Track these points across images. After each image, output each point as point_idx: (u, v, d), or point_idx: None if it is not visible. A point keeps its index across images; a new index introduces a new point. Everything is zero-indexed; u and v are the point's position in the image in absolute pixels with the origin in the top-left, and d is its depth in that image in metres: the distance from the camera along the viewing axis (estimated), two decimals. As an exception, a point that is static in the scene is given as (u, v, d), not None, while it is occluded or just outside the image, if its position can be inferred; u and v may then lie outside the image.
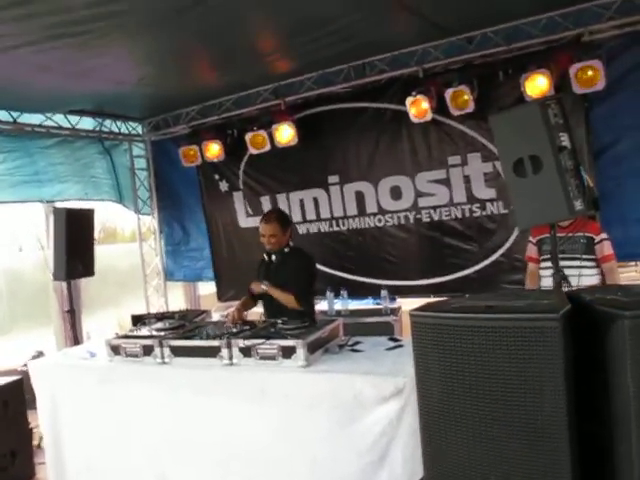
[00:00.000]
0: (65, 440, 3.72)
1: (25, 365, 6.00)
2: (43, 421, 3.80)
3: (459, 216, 5.23)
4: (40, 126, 6.20)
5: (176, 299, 8.16)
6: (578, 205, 2.93)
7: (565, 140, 2.98)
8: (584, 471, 1.48)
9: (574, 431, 1.42)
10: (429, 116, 4.94)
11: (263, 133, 5.73)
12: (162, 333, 3.41)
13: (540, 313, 1.45)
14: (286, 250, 4.07)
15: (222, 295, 6.75)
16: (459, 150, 5.14)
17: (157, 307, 7.08)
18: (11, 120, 5.90)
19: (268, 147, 5.73)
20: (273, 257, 4.06)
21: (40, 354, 6.24)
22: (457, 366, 1.59)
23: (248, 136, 5.82)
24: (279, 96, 5.85)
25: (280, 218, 4.14)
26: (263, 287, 3.90)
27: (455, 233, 5.27)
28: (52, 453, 3.78)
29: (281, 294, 3.86)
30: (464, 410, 1.56)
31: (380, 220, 5.62)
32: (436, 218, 5.33)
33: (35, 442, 4.87)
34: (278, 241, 4.03)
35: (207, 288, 8.19)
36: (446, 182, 5.24)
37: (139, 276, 7.40)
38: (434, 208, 5.33)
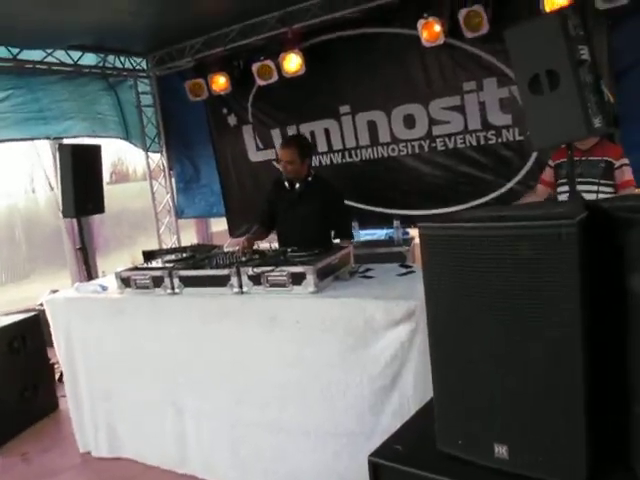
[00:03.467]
0: (81, 372, 3.77)
1: (41, 304, 6.09)
2: (60, 354, 3.85)
3: (474, 144, 5.08)
4: (41, 62, 6.07)
5: (189, 237, 8.17)
6: (597, 122, 2.80)
7: (585, 53, 2.83)
8: (598, 384, 1.42)
9: (589, 343, 1.35)
10: (441, 40, 4.73)
11: (270, 63, 5.55)
12: (172, 265, 3.38)
13: (555, 219, 1.35)
14: (309, 179, 3.98)
15: (234, 230, 6.72)
16: (474, 75, 4.94)
17: (169, 245, 7.10)
18: (10, 57, 5.76)
19: (276, 77, 5.56)
20: (296, 185, 3.97)
21: (56, 292, 6.31)
22: (468, 279, 1.51)
23: (255, 67, 5.65)
24: (286, 24, 5.63)
25: (300, 145, 4.04)
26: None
27: (470, 161, 5.14)
28: (70, 385, 3.85)
29: None
30: (474, 325, 1.50)
31: (394, 150, 5.49)
32: (451, 146, 5.20)
33: (57, 376, 4.99)
34: (295, 168, 3.94)
35: (219, 225, 8.18)
36: (461, 109, 5.07)
37: (151, 215, 7.39)
38: (449, 136, 5.18)
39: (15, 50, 5.75)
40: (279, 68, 5.50)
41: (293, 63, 5.41)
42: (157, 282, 3.25)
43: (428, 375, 2.42)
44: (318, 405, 2.86)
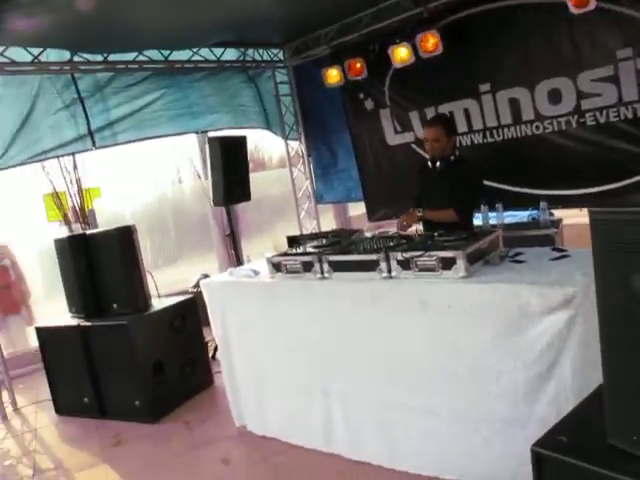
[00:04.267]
0: (235, 351, 4.01)
1: (195, 287, 6.54)
2: (216, 334, 4.11)
3: (629, 117, 4.68)
4: (189, 61, 6.51)
5: (327, 221, 8.35)
6: None
7: None
8: None
9: None
10: (592, 5, 4.39)
11: (406, 45, 5.49)
12: (320, 250, 3.49)
13: None
14: (452, 159, 3.96)
15: (372, 215, 6.77)
16: (630, 40, 4.54)
17: (309, 230, 7.32)
18: (163, 59, 6.24)
19: (412, 59, 5.49)
20: (437, 164, 3.97)
21: (206, 276, 6.75)
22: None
23: (391, 50, 5.62)
24: (420, 4, 5.53)
25: (445, 123, 4.10)
26: (418, 214, 3.87)
27: (625, 136, 4.74)
28: (226, 363, 4.11)
29: (438, 214, 3.81)
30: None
31: (538, 127, 5.20)
32: (602, 121, 4.82)
33: (210, 354, 5.37)
34: (441, 146, 3.94)
35: (357, 209, 8.28)
36: (614, 79, 4.69)
37: (290, 201, 7.65)
38: (600, 110, 4.82)
39: (166, 52, 6.21)
40: (415, 49, 5.43)
41: (430, 44, 5.31)
42: (307, 267, 3.37)
43: (588, 365, 2.33)
44: (469, 390, 2.83)
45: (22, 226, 7.74)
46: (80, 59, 5.75)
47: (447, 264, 2.83)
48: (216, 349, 5.34)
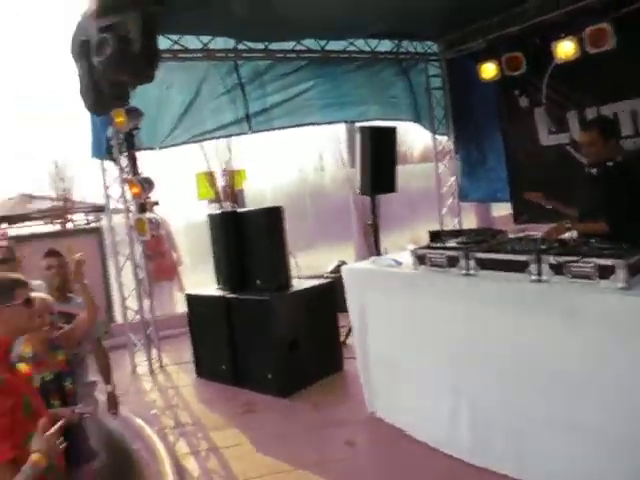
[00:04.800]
0: (370, 338, 4.05)
1: (331, 273, 6.70)
2: (353, 320, 4.19)
3: None
4: (344, 52, 6.63)
5: (468, 220, 8.15)
6: None
7: None
8: None
9: None
10: None
11: (572, 39, 5.18)
12: (466, 246, 3.43)
13: None
14: (610, 164, 3.65)
15: (518, 217, 6.49)
16: None
17: (450, 227, 7.20)
18: (319, 48, 6.41)
19: (578, 54, 5.17)
20: (593, 170, 3.71)
21: (343, 263, 6.87)
22: None
23: (554, 44, 5.32)
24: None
25: (602, 126, 3.75)
26: (567, 226, 3.59)
27: None
28: (360, 349, 4.17)
29: (588, 227, 3.53)
30: None
31: None
32: None
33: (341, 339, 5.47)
34: (597, 151, 3.65)
35: (501, 209, 8.00)
36: None
37: (430, 197, 7.57)
38: None
39: (323, 42, 6.38)
40: (582, 43, 5.09)
41: (601, 37, 4.92)
42: (452, 262, 3.32)
43: None
44: (617, 408, 2.65)
45: (174, 202, 8.36)
46: (243, 47, 6.09)
47: (605, 273, 2.65)
48: (347, 335, 5.44)
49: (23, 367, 2.42)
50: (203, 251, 7.73)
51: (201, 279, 7.11)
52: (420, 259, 3.56)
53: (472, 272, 3.23)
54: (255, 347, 4.83)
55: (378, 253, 5.16)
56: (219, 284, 5.30)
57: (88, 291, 3.18)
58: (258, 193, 9.12)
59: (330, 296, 5.10)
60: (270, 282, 4.90)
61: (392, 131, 5.44)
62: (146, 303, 5.95)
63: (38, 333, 2.73)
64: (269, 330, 4.68)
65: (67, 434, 2.45)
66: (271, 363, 4.74)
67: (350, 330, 5.35)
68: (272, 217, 4.92)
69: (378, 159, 5.05)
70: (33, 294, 2.74)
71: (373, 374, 4.11)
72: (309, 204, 9.57)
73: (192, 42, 5.80)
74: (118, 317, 6.90)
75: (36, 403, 2.27)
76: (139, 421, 4.43)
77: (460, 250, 3.31)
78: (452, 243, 3.60)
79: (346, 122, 7.00)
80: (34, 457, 1.90)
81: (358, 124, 6.12)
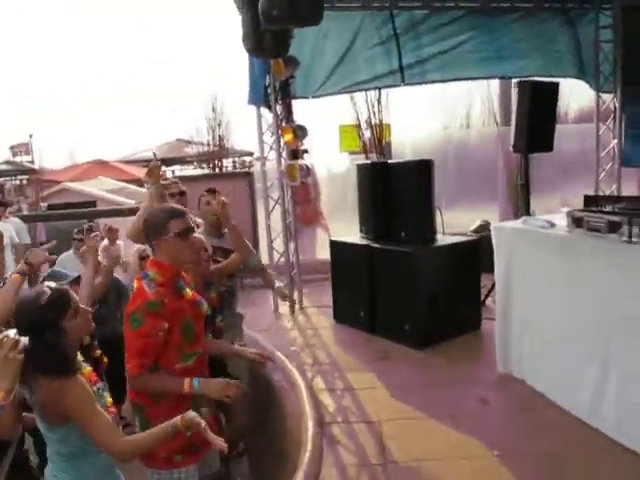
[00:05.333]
0: (515, 299, 3.99)
1: (474, 232, 6.59)
2: (498, 279, 4.13)
3: None
4: (505, 0, 6.28)
5: (627, 187, 7.55)
6: None
7: None
8: None
9: None
10: None
11: None
12: (631, 211, 3.22)
13: None
14: None
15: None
16: None
17: (607, 192, 6.73)
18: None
19: None
20: None
21: (487, 223, 6.71)
22: None
23: None
24: None
25: None
26: None
27: None
28: (502, 309, 4.12)
29: None
30: None
31: None
32: None
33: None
34: None
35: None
36: None
37: (586, 160, 7.11)
38: None
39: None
40: None
41: None
42: (613, 227, 3.14)
43: None
44: None
45: (316, 153, 8.56)
46: (400, -4, 5.99)
47: None
48: (487, 295, 5.37)
49: (190, 293, 2.52)
50: (340, 202, 7.92)
51: (336, 228, 7.33)
52: (577, 222, 3.40)
53: (635, 240, 3.04)
54: (395, 297, 4.92)
55: (528, 215, 4.99)
56: (362, 233, 5.42)
57: (237, 231, 3.38)
58: (400, 148, 9.07)
59: (474, 254, 5.05)
60: (415, 235, 4.94)
61: (554, 87, 5.15)
62: (291, 246, 6.24)
63: (197, 268, 2.94)
64: (410, 282, 4.74)
65: (212, 362, 2.70)
66: (410, 315, 4.82)
67: (490, 290, 5.29)
68: (422, 170, 4.91)
69: (536, 116, 4.82)
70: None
71: (512, 335, 4.06)
72: (452, 161, 9.35)
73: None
74: (264, 258, 7.30)
75: (198, 328, 2.48)
76: (280, 355, 4.73)
77: (624, 215, 3.12)
78: (612, 208, 3.40)
79: (503, 78, 6.70)
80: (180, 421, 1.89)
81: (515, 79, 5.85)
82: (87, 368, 2.04)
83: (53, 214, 8.01)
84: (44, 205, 10.04)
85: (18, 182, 18.51)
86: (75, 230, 5.21)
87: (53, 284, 2.00)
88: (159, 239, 2.36)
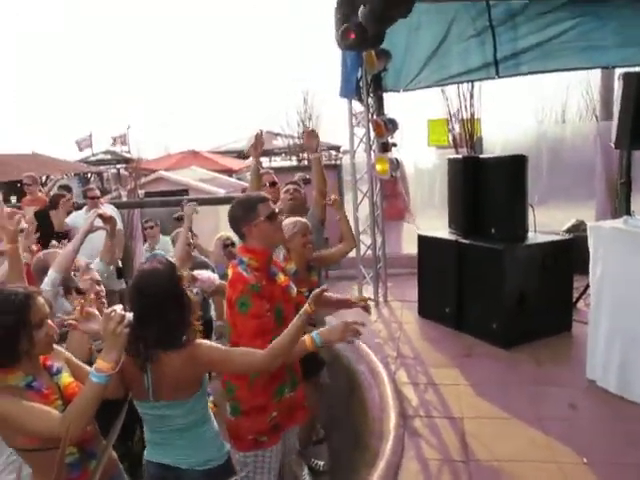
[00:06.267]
0: (607, 304, 3.81)
1: (567, 231, 6.34)
2: (592, 281, 3.96)
3: None
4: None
5: None
6: None
7: None
8: None
9: None
10: None
11: None
12: None
13: None
14: None
15: None
16: None
17: None
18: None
19: None
20: None
21: (582, 222, 6.44)
22: None
23: None
24: None
25: None
26: None
27: None
28: (594, 313, 3.95)
29: None
30: None
31: None
32: None
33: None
34: None
35: None
36: None
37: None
38: None
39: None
40: None
41: None
42: None
43: None
44: None
45: (404, 147, 8.49)
46: (499, -14, 5.82)
47: None
48: (580, 297, 5.16)
49: (282, 278, 2.64)
50: (426, 197, 7.81)
51: (422, 224, 7.26)
52: (685, 223, 3.22)
53: None
54: (482, 295, 4.84)
55: (628, 214, 4.73)
56: (451, 228, 5.35)
57: (346, 222, 3.64)
58: (491, 143, 8.84)
59: (567, 254, 4.86)
60: (505, 232, 4.82)
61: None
62: (378, 240, 6.25)
63: (301, 251, 3.08)
64: (499, 280, 4.63)
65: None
66: (497, 313, 4.71)
67: (583, 292, 5.09)
68: (516, 165, 4.77)
69: (640, 110, 4.54)
70: (293, 218, 3.10)
71: (603, 341, 3.88)
72: (546, 157, 9.01)
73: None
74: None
75: (287, 311, 2.57)
76: (364, 347, 4.76)
77: None
78: None
79: (606, 67, 6.33)
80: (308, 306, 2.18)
81: (619, 70, 5.54)
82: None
83: (146, 201, 8.36)
84: (141, 192, 10.52)
85: (116, 171, 19.59)
86: (144, 220, 5.46)
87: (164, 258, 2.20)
88: (250, 225, 2.48)
